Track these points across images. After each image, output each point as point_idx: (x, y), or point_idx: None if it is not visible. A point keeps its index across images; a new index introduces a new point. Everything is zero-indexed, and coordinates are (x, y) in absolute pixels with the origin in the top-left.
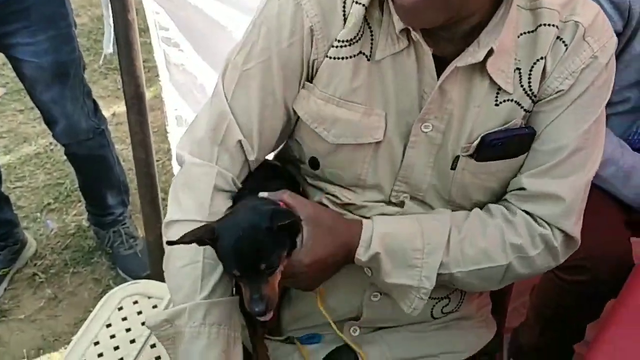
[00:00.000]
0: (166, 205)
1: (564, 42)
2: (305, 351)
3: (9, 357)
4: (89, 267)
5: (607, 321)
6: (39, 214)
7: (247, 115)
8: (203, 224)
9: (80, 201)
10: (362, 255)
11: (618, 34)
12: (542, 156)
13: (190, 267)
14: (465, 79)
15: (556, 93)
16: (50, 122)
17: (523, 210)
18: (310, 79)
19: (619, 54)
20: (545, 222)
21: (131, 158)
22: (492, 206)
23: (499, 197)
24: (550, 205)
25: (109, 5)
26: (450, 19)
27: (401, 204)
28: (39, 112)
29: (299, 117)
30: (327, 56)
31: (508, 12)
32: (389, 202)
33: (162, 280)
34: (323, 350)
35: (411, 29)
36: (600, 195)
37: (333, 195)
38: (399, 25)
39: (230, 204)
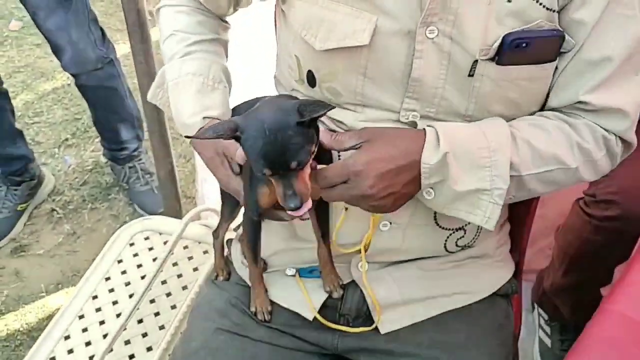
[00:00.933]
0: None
1: None
2: (304, 286)
3: (28, 291)
4: (106, 203)
5: (633, 261)
6: (56, 150)
7: None
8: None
9: (97, 137)
10: (430, 158)
11: None
12: (593, 68)
13: (169, 39)
14: None
15: None
16: (57, 51)
17: (586, 119)
18: None
19: None
20: (610, 131)
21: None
22: (545, 112)
23: (521, 109)
24: (617, 120)
25: None
26: None
27: (412, 125)
28: None
29: (284, 18)
30: None
31: None
32: (399, 121)
33: (175, 216)
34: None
35: None
36: None
37: (332, 119)
38: None
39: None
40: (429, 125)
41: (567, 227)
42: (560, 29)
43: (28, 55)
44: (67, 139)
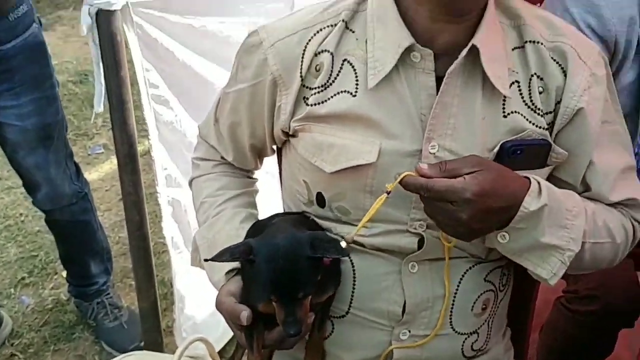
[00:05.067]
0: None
1: (559, 64)
2: None
3: None
4: (70, 343)
5: None
6: (12, 290)
7: (223, 127)
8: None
9: (56, 273)
10: (530, 204)
11: None
12: (603, 177)
13: (200, 208)
14: (465, 90)
15: (579, 111)
16: (31, 188)
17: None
18: (292, 122)
19: None
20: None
21: (107, 225)
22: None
23: None
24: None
25: (100, 63)
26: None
27: (419, 235)
28: (5, 182)
29: (293, 153)
30: (308, 104)
31: (484, 16)
32: (407, 232)
33: (158, 349)
34: None
35: (415, 48)
36: None
37: (342, 237)
38: (405, 41)
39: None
40: (525, 176)
41: (552, 325)
42: (547, 139)
43: None
44: (23, 278)
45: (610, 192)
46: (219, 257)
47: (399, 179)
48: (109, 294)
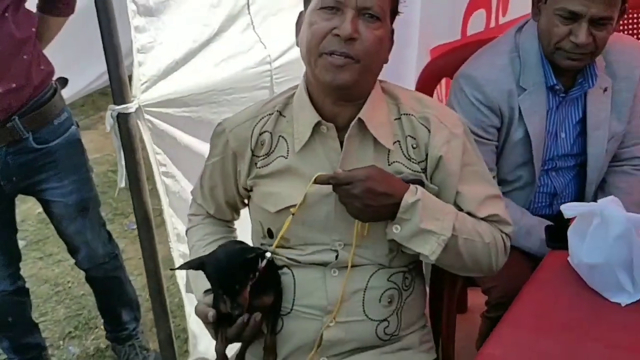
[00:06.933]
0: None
1: (426, 127)
2: None
3: None
4: None
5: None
6: (61, 342)
7: (205, 189)
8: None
9: (97, 327)
10: (409, 198)
11: (499, 128)
12: (469, 201)
13: (192, 250)
14: (360, 148)
15: (440, 158)
16: (73, 251)
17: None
18: (248, 181)
19: (505, 142)
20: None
21: (139, 286)
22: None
23: None
24: (503, 224)
25: (121, 150)
26: (359, 81)
27: (336, 251)
28: (56, 257)
29: (252, 203)
30: (257, 167)
31: (368, 97)
32: (329, 250)
33: None
34: None
35: (322, 123)
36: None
37: (287, 258)
38: (314, 119)
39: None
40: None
41: (481, 332)
42: (419, 178)
43: (31, 268)
44: (70, 332)
45: (476, 211)
46: (181, 267)
47: (313, 179)
48: (138, 338)
